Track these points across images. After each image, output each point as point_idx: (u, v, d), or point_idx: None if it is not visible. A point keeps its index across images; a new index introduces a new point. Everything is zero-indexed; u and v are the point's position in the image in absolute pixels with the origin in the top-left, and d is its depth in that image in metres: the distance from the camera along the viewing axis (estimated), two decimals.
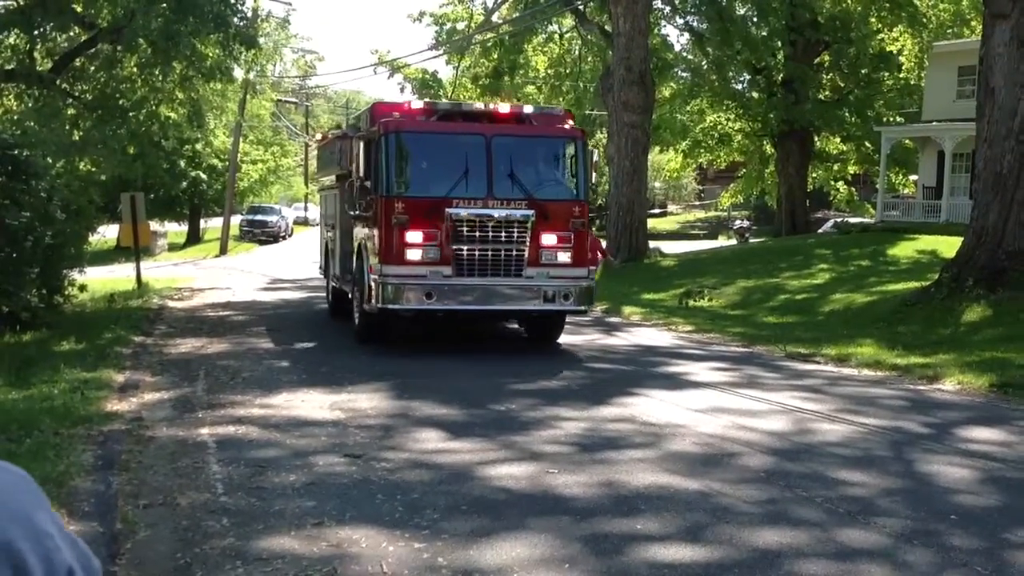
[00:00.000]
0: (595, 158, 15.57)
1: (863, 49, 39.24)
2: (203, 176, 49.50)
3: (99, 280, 24.52)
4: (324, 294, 21.32)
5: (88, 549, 1.32)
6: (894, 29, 38.12)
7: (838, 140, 45.16)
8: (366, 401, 11.01)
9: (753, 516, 6.77)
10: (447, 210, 14.04)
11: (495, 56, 39.19)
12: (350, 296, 16.37)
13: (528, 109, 16.05)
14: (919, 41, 38.01)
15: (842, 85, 42.74)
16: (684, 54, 44.79)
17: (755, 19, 39.12)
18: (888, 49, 39.43)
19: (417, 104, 15.68)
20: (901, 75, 41.55)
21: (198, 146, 45.08)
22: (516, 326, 17.58)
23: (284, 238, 62.42)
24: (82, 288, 20.10)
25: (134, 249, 25.64)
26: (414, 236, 14.05)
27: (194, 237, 56.36)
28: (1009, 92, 18.28)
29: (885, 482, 7.72)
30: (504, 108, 15.71)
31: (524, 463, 8.23)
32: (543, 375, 12.95)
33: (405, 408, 10.65)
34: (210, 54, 19.61)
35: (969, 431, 9.81)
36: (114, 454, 8.49)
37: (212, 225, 58.45)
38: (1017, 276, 18.16)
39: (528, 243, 14.30)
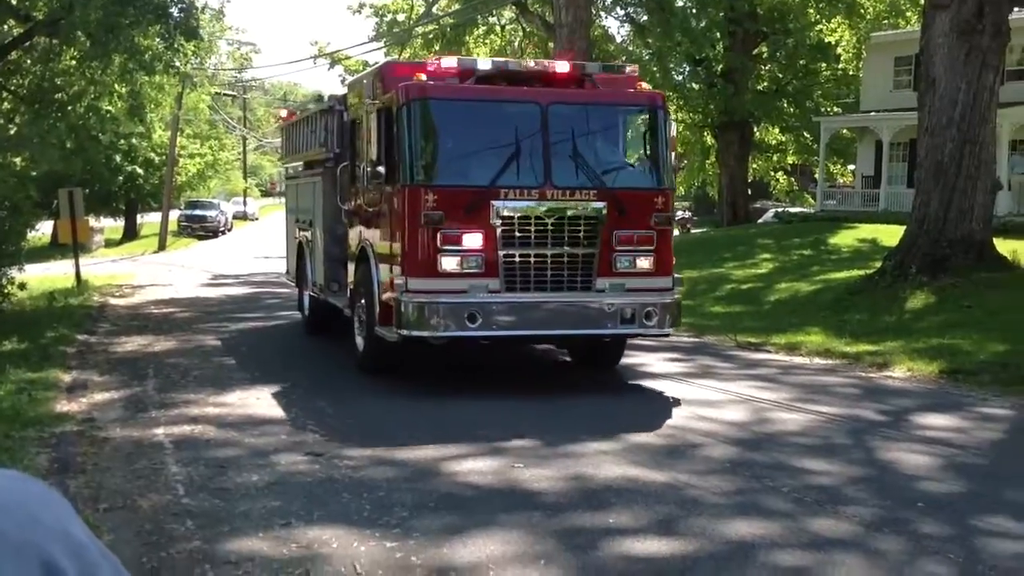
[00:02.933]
0: (673, 131, 12.02)
1: (801, 40, 39.65)
2: (139, 171, 48.68)
3: (36, 278, 23.98)
4: (296, 306, 17.90)
5: (118, 560, 1.23)
6: (832, 20, 38.57)
7: (777, 131, 45.63)
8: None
9: (723, 507, 6.78)
10: (493, 204, 10.69)
11: (436, 48, 38.99)
12: (349, 314, 12.91)
13: (592, 67, 12.42)
14: (856, 32, 38.49)
15: (780, 76, 43.18)
16: (625, 45, 44.95)
17: (694, 11, 39.34)
18: (826, 40, 39.87)
19: (449, 62, 11.57)
20: (839, 66, 42.06)
21: (134, 140, 44.31)
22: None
23: (223, 233, 61.67)
24: (21, 286, 19.64)
25: (73, 246, 25.12)
26: (451, 238, 10.62)
27: (131, 233, 55.45)
28: (949, 82, 18.55)
29: (849, 470, 7.78)
30: (563, 66, 11.85)
31: (488, 458, 8.17)
32: (502, 369, 12.89)
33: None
34: (150, 46, 19.21)
35: (924, 418, 9.93)
36: (69, 456, 8.28)
37: (149, 220, 57.58)
38: (959, 263, 18.47)
39: (599, 246, 10.97)
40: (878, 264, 20.28)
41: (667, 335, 12.09)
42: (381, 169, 11.10)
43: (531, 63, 11.83)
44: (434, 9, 40.22)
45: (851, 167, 45.85)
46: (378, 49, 43.01)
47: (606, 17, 42.66)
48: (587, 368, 12.75)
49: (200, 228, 58.89)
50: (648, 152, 11.85)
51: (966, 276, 18.06)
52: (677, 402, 10.69)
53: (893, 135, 35.00)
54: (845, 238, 29.41)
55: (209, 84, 42.50)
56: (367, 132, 11.82)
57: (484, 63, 11.81)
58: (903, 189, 33.78)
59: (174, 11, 18.87)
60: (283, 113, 19.95)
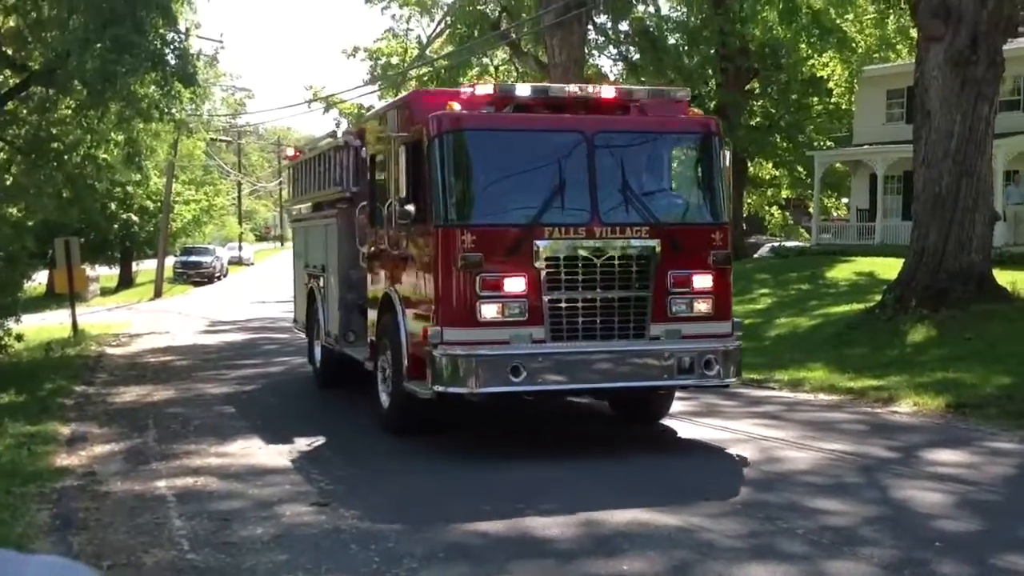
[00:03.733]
0: (727, 161, 11.00)
1: (793, 75, 39.88)
2: (135, 218, 48.68)
3: (33, 328, 23.87)
4: (301, 352, 17.12)
5: None
6: (823, 54, 38.78)
7: (770, 165, 45.76)
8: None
9: (739, 551, 6.67)
10: (536, 243, 9.70)
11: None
12: (370, 367, 11.85)
13: (639, 92, 11.26)
14: (848, 66, 38.70)
15: (773, 111, 43.38)
16: (619, 84, 45.17)
17: (686, 48, 39.56)
18: (818, 74, 40.10)
19: (484, 88, 10.55)
20: (831, 100, 42.28)
21: (130, 188, 44.34)
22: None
23: (219, 279, 61.58)
24: (19, 337, 19.55)
25: (69, 295, 25.05)
26: (491, 283, 9.62)
27: (126, 281, 55.33)
28: (945, 114, 18.59)
29: (863, 510, 7.68)
30: (608, 92, 10.75)
31: (494, 501, 8.05)
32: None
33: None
34: (147, 93, 19.23)
35: (934, 454, 9.84)
36: (71, 512, 8.16)
37: (144, 268, 57.49)
38: (959, 295, 18.41)
39: (652, 288, 9.97)
40: (877, 297, 20.22)
41: (727, 386, 11.02)
42: (410, 208, 10.13)
43: (574, 88, 10.78)
44: (428, 51, 40.42)
45: (845, 200, 45.95)
46: (372, 92, 43.19)
47: (599, 56, 42.88)
48: (631, 422, 11.74)
49: (196, 274, 58.78)
50: (702, 183, 10.91)
51: (966, 308, 18.00)
52: (686, 443, 10.58)
53: (887, 168, 35.09)
54: (842, 271, 29.39)
55: (204, 130, 42.55)
56: (393, 168, 10.57)
57: (523, 89, 10.75)
58: (899, 222, 33.82)
59: (170, 58, 18.88)
60: (290, 151, 18.92)
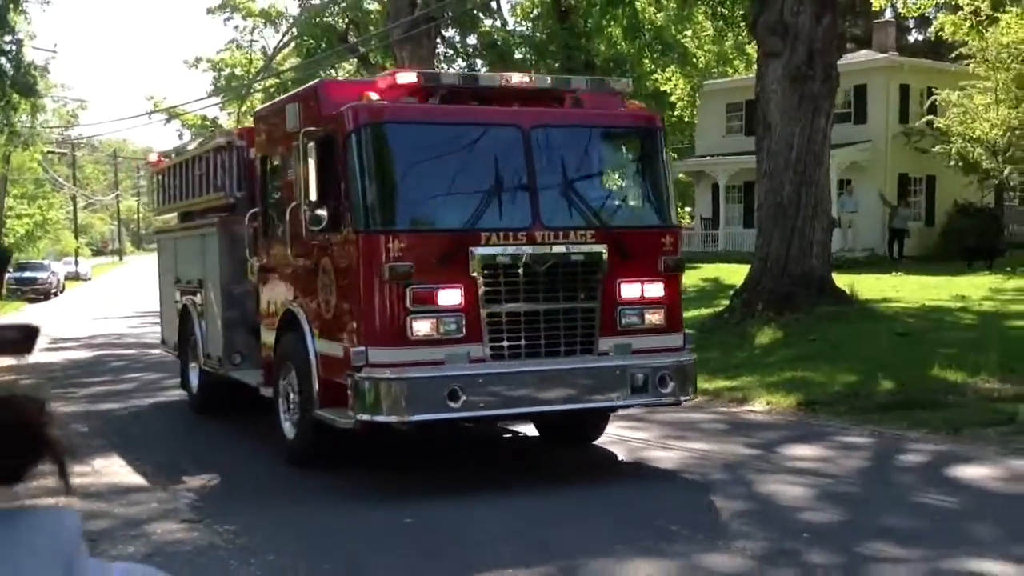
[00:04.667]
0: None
1: (639, 89, 40.89)
2: None
3: None
4: (178, 377, 14.76)
5: None
6: (666, 69, 39.92)
7: None
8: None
9: (619, 550, 6.82)
10: (473, 251, 8.63)
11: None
12: (268, 394, 10.60)
13: (576, 82, 10.23)
14: (690, 81, 39.95)
15: None
16: None
17: (534, 61, 40.14)
18: (662, 88, 41.21)
19: (405, 77, 9.45)
20: (674, 113, 43.53)
21: None
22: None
23: (56, 295, 59.16)
24: None
25: None
26: (423, 296, 8.51)
27: None
28: (785, 126, 19.38)
29: (732, 505, 7.96)
30: (542, 81, 10.05)
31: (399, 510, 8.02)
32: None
33: None
34: None
35: (792, 449, 10.26)
36: None
37: None
38: (802, 299, 19.21)
39: (600, 298, 9.02)
40: (724, 302, 20.94)
41: (680, 403, 9.82)
42: (322, 213, 8.91)
43: (508, 77, 9.82)
44: (274, 63, 39.90)
45: (689, 209, 47.34)
46: (214, 104, 42.40)
47: (449, 68, 43.08)
48: (559, 445, 10.73)
49: (31, 291, 56.25)
50: (648, 183, 10.05)
51: (810, 311, 18.79)
52: (547, 445, 10.74)
53: (728, 178, 36.34)
54: (690, 278, 30.19)
55: (41, 142, 40.99)
56: (299, 168, 9.27)
57: (450, 77, 9.73)
58: (741, 229, 35.05)
59: (8, 68, 18.14)
60: (152, 157, 17.02)
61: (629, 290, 9.18)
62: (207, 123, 43.03)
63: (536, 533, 7.29)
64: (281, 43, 41.03)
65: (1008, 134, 30.31)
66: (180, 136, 42.89)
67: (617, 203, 10.07)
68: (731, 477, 9.02)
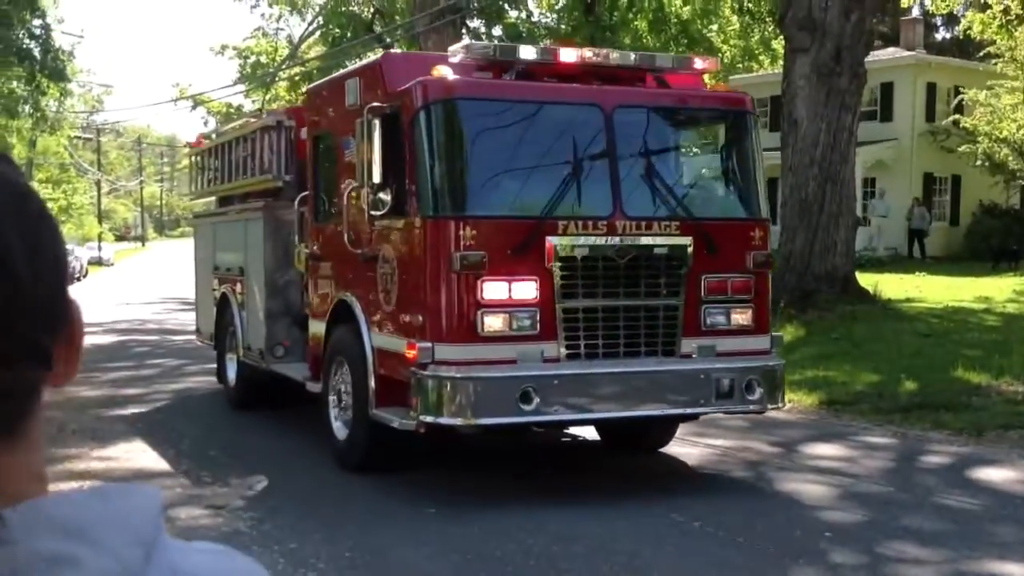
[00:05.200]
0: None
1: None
2: None
3: None
4: (201, 364, 15.08)
5: None
6: None
7: None
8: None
9: (634, 553, 6.84)
10: (549, 241, 7.98)
11: (302, 90, 38.78)
12: (314, 389, 10.04)
13: (663, 59, 9.61)
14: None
15: None
16: None
17: None
18: None
19: (480, 49, 9.07)
20: None
21: None
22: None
23: (79, 279, 59.56)
24: None
25: None
26: (496, 289, 7.86)
27: None
28: (811, 122, 19.31)
29: (753, 503, 7.96)
30: (625, 58, 9.10)
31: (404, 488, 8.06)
32: None
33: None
34: (12, 89, 18.55)
35: (814, 448, 10.25)
36: None
37: None
38: (824, 297, 19.16)
39: (684, 295, 8.33)
40: None
41: (765, 411, 9.10)
42: (385, 197, 8.30)
43: (588, 52, 8.92)
44: (299, 51, 39.99)
45: None
46: (240, 92, 42.55)
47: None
48: (627, 451, 9.96)
49: None
50: (738, 170, 9.31)
51: (832, 309, 18.74)
52: (593, 448, 10.76)
53: None
54: None
55: (68, 127, 41.27)
56: (362, 147, 8.41)
57: (527, 51, 8.88)
58: None
59: (37, 53, 18.26)
60: (192, 138, 16.46)
61: (715, 287, 8.49)
62: (232, 111, 43.20)
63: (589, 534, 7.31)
64: (307, 31, 41.12)
65: None
66: (205, 123, 43.10)
67: (704, 192, 9.46)
68: (753, 474, 9.02)
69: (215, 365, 13.98)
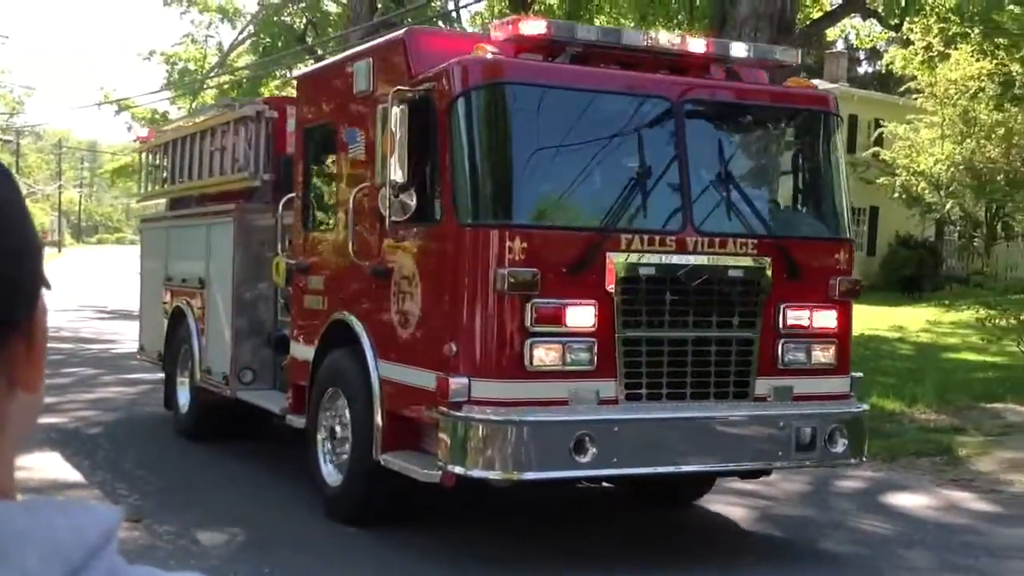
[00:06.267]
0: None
1: None
2: None
3: None
4: (129, 377, 14.13)
5: None
6: None
7: None
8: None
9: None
10: (611, 258, 6.67)
11: (234, 97, 38.37)
12: (295, 424, 8.62)
13: (738, 48, 7.76)
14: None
15: None
16: None
17: None
18: None
19: (532, 28, 7.16)
20: None
21: None
22: None
23: None
24: None
25: None
26: (548, 313, 6.53)
27: None
28: None
29: (669, 527, 8.02)
30: (698, 44, 7.55)
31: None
32: None
33: None
34: None
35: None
36: None
37: None
38: None
39: (759, 327, 7.04)
40: None
41: (850, 465, 8.14)
42: (410, 200, 6.93)
43: (655, 36, 7.67)
44: (228, 60, 39.60)
45: None
46: (166, 98, 41.97)
47: None
48: (652, 504, 8.67)
49: None
50: (822, 182, 8.08)
51: None
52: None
53: None
54: None
55: None
56: (382, 140, 7.11)
57: (587, 31, 7.55)
58: None
59: None
60: (143, 132, 14.48)
61: (795, 318, 7.15)
62: (158, 116, 42.55)
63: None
64: (237, 39, 40.72)
65: (952, 169, 30.99)
66: (129, 129, 42.33)
67: (783, 205, 8.13)
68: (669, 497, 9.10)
69: (136, 378, 13.60)
